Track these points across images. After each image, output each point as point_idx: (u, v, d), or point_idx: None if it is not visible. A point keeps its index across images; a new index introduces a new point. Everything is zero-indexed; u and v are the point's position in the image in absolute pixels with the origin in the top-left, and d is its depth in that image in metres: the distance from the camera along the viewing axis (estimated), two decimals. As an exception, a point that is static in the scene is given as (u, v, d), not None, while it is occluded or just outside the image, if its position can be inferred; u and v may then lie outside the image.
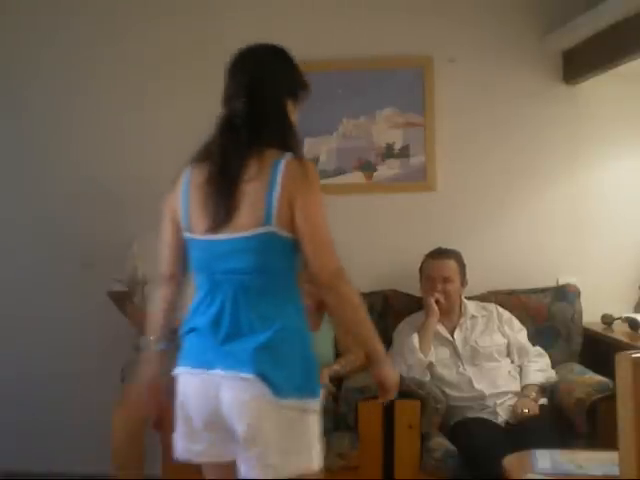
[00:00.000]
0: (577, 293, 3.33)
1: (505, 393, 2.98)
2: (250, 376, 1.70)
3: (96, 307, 3.45)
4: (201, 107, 3.47)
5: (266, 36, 3.45)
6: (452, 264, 3.14)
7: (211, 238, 1.79)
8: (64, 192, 3.54)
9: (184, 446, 1.84)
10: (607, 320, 3.30)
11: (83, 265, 3.51)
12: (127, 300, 3.21)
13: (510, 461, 2.33)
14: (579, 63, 3.32)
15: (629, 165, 3.48)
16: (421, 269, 3.22)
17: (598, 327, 3.30)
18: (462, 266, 3.17)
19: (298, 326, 1.81)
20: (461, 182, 3.49)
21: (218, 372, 1.74)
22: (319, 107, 3.46)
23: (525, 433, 2.71)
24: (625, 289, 3.45)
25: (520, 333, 3.17)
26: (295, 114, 1.92)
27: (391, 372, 1.90)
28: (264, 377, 1.70)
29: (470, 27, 3.45)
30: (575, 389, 2.91)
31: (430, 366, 3.03)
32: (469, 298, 3.25)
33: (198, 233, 1.82)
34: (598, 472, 2.14)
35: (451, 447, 2.78)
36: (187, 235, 1.85)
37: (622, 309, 3.34)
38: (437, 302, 3.09)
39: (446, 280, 3.11)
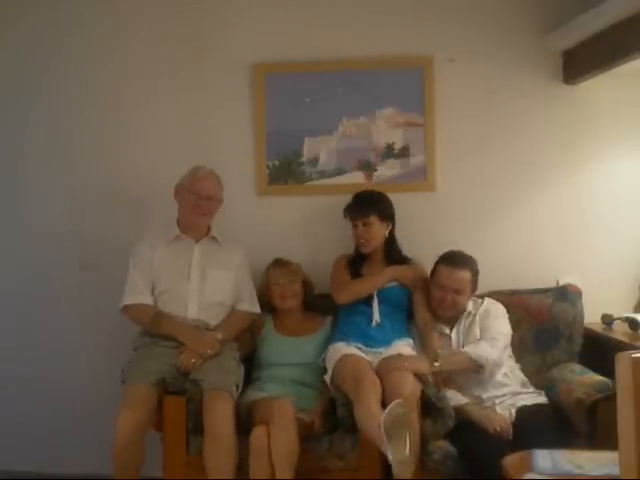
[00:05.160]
0: (578, 293, 3.31)
1: (502, 393, 2.97)
2: None
3: (96, 308, 3.45)
4: (202, 109, 3.51)
5: (266, 36, 3.48)
6: (466, 276, 3.05)
7: None
8: (65, 193, 3.54)
9: None
10: (607, 320, 3.30)
11: (83, 267, 3.50)
12: None
13: (510, 461, 2.33)
14: (579, 63, 3.32)
15: (629, 165, 3.48)
16: (434, 272, 3.14)
17: (598, 327, 3.29)
18: (475, 275, 3.10)
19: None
20: (461, 182, 3.49)
21: None
22: (319, 107, 3.48)
23: (525, 433, 2.71)
24: (625, 289, 3.45)
25: (496, 320, 3.08)
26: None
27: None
28: None
29: (470, 27, 3.45)
30: (575, 389, 2.91)
31: None
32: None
33: None
34: (598, 472, 2.13)
35: (451, 448, 2.77)
36: None
37: (622, 309, 3.34)
38: (443, 309, 3.08)
39: (457, 292, 3.05)
